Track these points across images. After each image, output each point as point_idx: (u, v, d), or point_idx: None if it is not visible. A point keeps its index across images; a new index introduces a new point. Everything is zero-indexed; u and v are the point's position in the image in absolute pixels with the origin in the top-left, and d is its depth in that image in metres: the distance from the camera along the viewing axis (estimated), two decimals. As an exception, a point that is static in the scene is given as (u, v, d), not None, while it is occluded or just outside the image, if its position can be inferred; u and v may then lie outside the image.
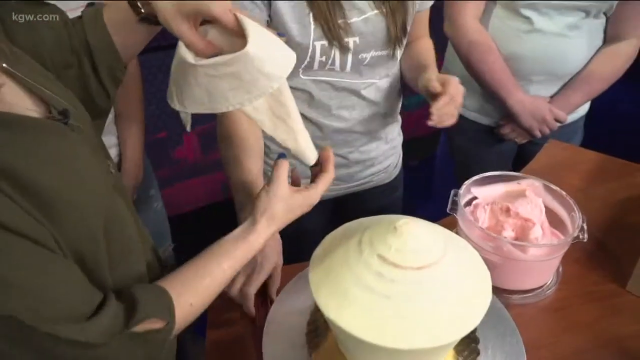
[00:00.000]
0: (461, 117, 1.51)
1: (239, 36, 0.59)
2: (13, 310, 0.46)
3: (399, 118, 1.26)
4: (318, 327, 0.71)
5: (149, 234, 0.76)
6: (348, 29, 0.97)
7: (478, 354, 0.67)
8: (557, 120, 1.39)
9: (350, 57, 1.01)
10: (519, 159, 1.56)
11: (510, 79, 1.36)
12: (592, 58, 1.36)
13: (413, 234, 0.59)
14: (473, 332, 0.69)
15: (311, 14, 0.93)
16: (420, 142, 2.53)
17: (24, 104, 0.56)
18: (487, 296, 0.60)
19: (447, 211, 0.91)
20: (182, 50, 0.60)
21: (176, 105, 0.63)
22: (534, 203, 0.93)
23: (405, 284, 0.57)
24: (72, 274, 0.53)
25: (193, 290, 0.62)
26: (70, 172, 0.54)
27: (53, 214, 0.51)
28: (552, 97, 1.41)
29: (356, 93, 1.07)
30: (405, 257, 0.58)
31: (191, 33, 0.60)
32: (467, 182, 0.95)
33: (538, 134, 1.41)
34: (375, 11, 0.98)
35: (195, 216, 2.34)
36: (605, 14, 1.33)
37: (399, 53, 1.08)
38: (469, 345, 0.68)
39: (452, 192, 0.93)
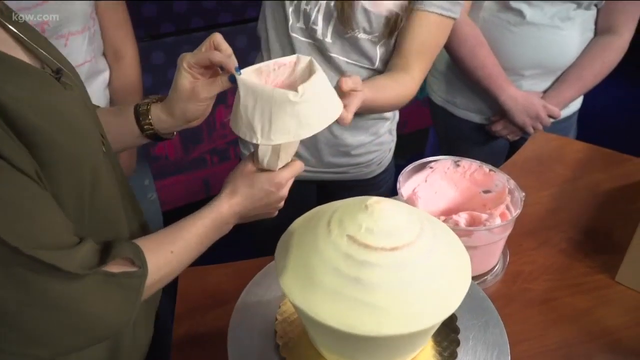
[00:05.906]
0: (452, 115, 1.48)
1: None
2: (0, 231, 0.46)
3: (392, 116, 1.19)
4: (287, 318, 0.66)
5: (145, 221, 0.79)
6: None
7: (458, 344, 0.62)
8: (550, 116, 1.35)
9: (333, 24, 0.98)
10: (511, 156, 1.52)
11: (502, 75, 1.32)
12: (583, 51, 1.33)
13: (386, 212, 0.54)
14: (453, 321, 0.64)
15: None
16: (408, 139, 2.49)
17: (19, 57, 0.55)
18: (466, 280, 0.55)
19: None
20: (280, 91, 0.63)
21: (259, 140, 0.65)
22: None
23: (377, 266, 0.52)
24: (56, 207, 0.54)
25: (171, 239, 0.66)
26: (61, 121, 0.55)
27: (41, 156, 0.52)
28: (544, 92, 1.37)
29: (339, 70, 1.03)
30: (377, 237, 0.53)
31: None
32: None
33: (531, 131, 1.37)
34: None
35: (176, 215, 2.29)
36: (596, 5, 1.29)
37: (379, 50, 1.02)
38: (448, 335, 0.63)
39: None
